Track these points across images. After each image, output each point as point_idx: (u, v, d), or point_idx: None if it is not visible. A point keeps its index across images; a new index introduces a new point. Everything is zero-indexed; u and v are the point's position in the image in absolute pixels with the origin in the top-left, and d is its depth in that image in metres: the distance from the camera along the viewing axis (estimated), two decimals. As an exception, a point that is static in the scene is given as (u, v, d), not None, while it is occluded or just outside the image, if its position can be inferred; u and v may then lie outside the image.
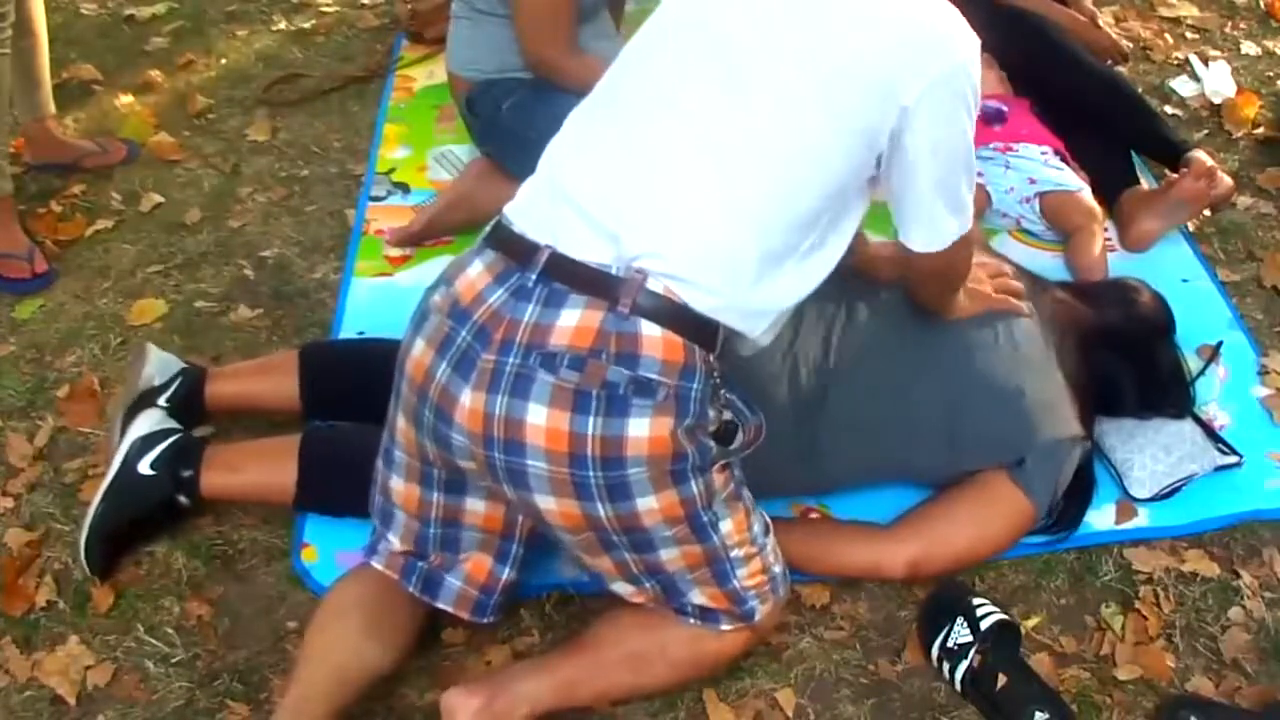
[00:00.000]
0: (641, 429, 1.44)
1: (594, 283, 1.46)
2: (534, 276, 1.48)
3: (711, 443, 1.52)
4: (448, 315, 1.52)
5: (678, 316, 1.47)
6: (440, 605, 1.67)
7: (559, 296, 1.46)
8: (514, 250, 1.51)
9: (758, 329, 1.56)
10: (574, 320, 1.45)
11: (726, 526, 1.59)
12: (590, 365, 1.43)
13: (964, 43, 1.52)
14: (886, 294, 1.96)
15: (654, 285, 1.46)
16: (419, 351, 1.54)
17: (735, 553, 1.61)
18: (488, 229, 1.59)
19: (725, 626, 1.66)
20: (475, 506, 1.62)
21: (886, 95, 1.48)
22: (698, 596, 1.63)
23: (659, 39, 1.60)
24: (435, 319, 1.53)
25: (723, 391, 1.53)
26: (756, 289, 1.51)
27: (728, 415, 1.54)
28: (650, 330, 1.45)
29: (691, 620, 1.65)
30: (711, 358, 1.50)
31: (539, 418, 1.43)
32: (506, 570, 1.68)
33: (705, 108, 1.51)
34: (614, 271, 1.46)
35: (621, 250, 1.47)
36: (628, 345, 1.44)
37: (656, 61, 1.58)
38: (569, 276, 1.47)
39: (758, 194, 1.49)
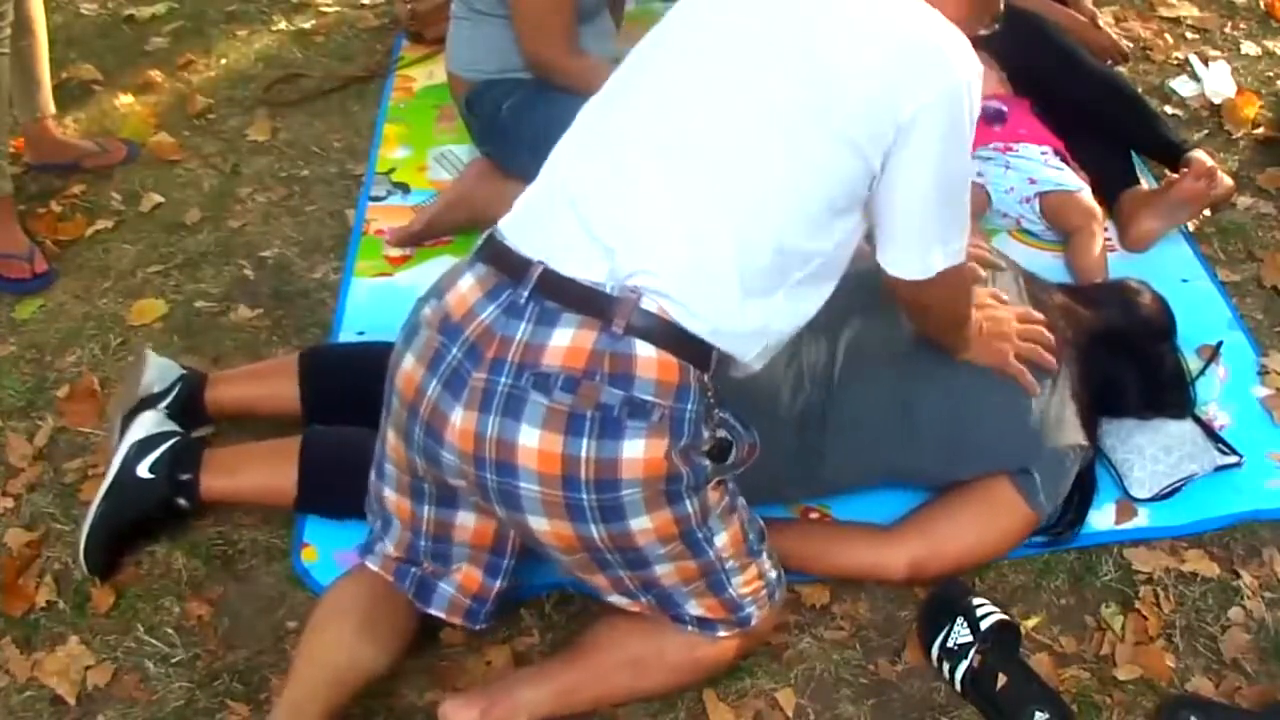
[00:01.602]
0: (636, 451, 1.42)
1: (587, 301, 1.44)
2: (525, 293, 1.45)
3: (706, 462, 1.50)
4: (438, 330, 1.50)
5: (672, 336, 1.44)
6: (433, 611, 1.67)
7: (551, 315, 1.44)
8: (506, 265, 1.49)
9: (748, 355, 1.53)
10: (567, 340, 1.42)
11: (721, 540, 1.58)
12: (584, 387, 1.41)
13: (964, 63, 1.49)
14: (891, 305, 1.95)
15: (648, 304, 1.43)
16: (409, 367, 1.52)
17: (730, 564, 1.60)
18: (480, 241, 1.57)
19: (722, 633, 1.66)
20: (466, 521, 1.61)
21: (884, 111, 1.45)
22: (694, 607, 1.63)
23: (660, 51, 1.58)
24: (425, 334, 1.51)
25: (716, 410, 1.52)
26: (744, 315, 1.48)
27: (721, 433, 1.52)
28: (645, 351, 1.43)
29: (689, 628, 1.65)
30: (706, 377, 1.48)
31: (531, 440, 1.42)
32: (497, 582, 1.67)
33: (702, 122, 1.49)
34: (607, 290, 1.44)
35: (615, 266, 1.44)
36: (622, 366, 1.42)
37: (658, 73, 1.56)
38: (561, 294, 1.45)
39: (750, 212, 1.47)
